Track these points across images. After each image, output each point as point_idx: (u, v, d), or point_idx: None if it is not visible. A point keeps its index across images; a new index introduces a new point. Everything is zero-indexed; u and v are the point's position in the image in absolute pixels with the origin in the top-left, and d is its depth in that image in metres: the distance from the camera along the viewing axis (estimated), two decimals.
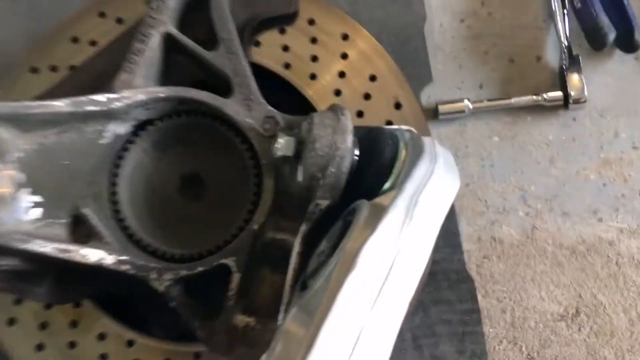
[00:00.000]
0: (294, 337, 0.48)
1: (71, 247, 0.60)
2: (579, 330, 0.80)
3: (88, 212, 0.65)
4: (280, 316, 0.60)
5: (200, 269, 0.63)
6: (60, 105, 0.61)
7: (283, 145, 0.63)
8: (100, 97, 0.63)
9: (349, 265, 0.47)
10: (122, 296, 0.73)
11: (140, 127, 0.69)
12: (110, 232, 0.65)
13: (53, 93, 0.74)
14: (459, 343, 0.81)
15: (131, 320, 0.72)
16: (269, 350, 0.53)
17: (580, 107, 0.85)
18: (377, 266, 0.47)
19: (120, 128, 0.67)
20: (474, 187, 0.85)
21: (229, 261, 0.63)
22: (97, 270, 0.62)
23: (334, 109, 0.63)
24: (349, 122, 0.62)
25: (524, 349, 0.81)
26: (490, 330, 0.81)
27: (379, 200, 0.56)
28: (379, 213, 0.51)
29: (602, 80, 0.86)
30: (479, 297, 0.82)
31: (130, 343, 0.71)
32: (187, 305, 0.62)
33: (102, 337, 0.72)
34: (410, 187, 0.54)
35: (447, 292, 0.82)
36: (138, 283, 0.63)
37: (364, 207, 0.54)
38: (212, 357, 0.69)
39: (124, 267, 0.62)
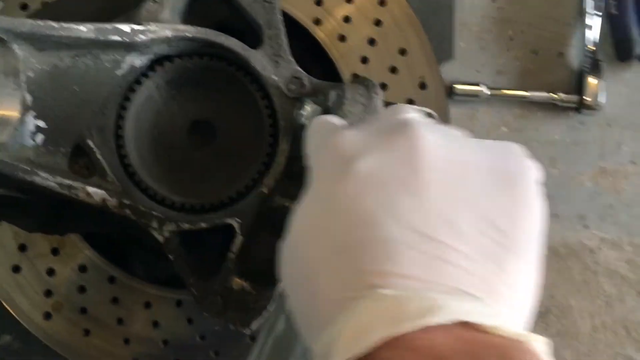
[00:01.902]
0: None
1: (76, 184, 0.57)
2: (546, 329, 0.83)
3: (92, 144, 0.61)
4: (280, 287, 0.59)
5: (203, 225, 0.61)
6: (83, 30, 0.57)
7: (309, 113, 0.60)
8: (125, 27, 0.59)
9: None
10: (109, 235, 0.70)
11: (158, 62, 0.65)
12: (112, 169, 0.62)
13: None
14: None
15: (113, 257, 0.70)
16: (267, 322, 0.53)
17: (591, 113, 0.85)
18: None
19: (138, 60, 0.63)
20: None
21: (234, 222, 0.61)
22: (96, 210, 0.59)
23: (367, 86, 0.61)
24: (380, 102, 0.60)
25: None
26: None
27: None
28: None
29: (617, 90, 0.86)
30: None
31: (111, 279, 0.69)
32: (185, 260, 0.61)
33: (83, 269, 0.70)
34: None
35: None
36: (137, 229, 0.60)
37: None
38: (194, 307, 0.68)
39: (127, 212, 0.59)
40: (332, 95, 0.61)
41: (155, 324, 0.69)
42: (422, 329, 0.34)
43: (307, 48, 0.72)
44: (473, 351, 0.33)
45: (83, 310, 0.69)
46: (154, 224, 0.60)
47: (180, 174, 0.66)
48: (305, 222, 0.43)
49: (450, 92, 0.85)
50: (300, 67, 0.64)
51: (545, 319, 0.84)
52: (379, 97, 0.60)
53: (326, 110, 0.61)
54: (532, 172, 0.43)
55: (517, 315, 0.39)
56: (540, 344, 0.35)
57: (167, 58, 0.65)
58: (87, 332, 0.69)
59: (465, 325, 0.34)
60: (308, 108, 0.61)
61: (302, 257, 0.42)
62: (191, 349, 0.69)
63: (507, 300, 0.38)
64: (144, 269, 0.72)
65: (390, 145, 0.42)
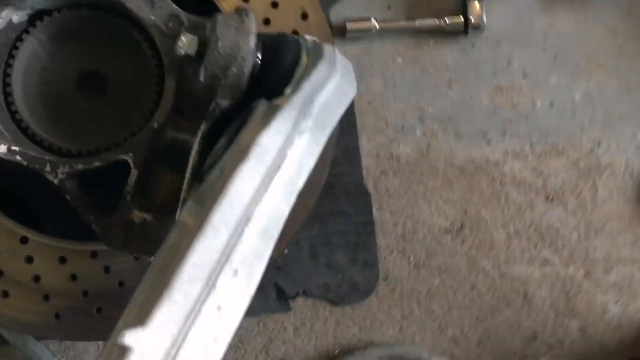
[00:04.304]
0: (186, 227, 0.49)
1: None
2: (462, 243, 0.87)
3: None
4: (178, 212, 0.61)
5: (97, 163, 0.63)
6: None
7: (185, 43, 0.63)
8: None
9: (242, 156, 0.49)
10: (14, 193, 0.71)
11: (38, 17, 0.66)
12: (3, 123, 0.63)
13: None
14: (352, 252, 0.86)
15: (24, 218, 0.71)
16: (164, 241, 0.55)
17: (479, 34, 0.89)
18: (268, 157, 0.49)
19: (15, 15, 0.64)
20: (376, 105, 0.88)
21: (127, 157, 0.63)
22: None
23: (238, 11, 0.63)
24: (252, 24, 0.62)
25: (411, 258, 0.86)
26: (383, 241, 0.86)
27: (277, 100, 0.57)
28: (274, 110, 0.53)
29: (502, 10, 0.90)
30: (374, 211, 0.87)
31: (24, 240, 0.70)
32: (82, 199, 0.62)
33: None
34: (307, 87, 0.56)
35: (344, 205, 0.86)
36: (31, 175, 0.62)
37: (261, 105, 0.55)
38: (110, 256, 0.70)
39: (17, 158, 0.61)
40: (208, 25, 0.64)
41: (73, 277, 0.70)
42: None
43: None
44: None
45: None
46: (47, 168, 0.62)
47: (74, 124, 0.68)
48: None
49: (343, 31, 0.88)
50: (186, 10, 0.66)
51: (460, 233, 0.87)
52: (251, 19, 0.63)
53: (203, 40, 0.63)
54: None
55: None
56: None
57: (46, 13, 0.66)
58: (5, 294, 0.69)
59: None
60: (184, 39, 0.63)
61: None
62: (111, 296, 0.70)
63: None
64: (57, 226, 0.73)
65: None
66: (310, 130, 0.53)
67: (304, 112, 0.53)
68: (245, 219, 0.46)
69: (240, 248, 0.45)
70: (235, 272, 0.44)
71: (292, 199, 0.49)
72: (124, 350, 0.38)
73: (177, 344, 0.40)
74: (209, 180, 0.53)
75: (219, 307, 0.42)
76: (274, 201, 0.48)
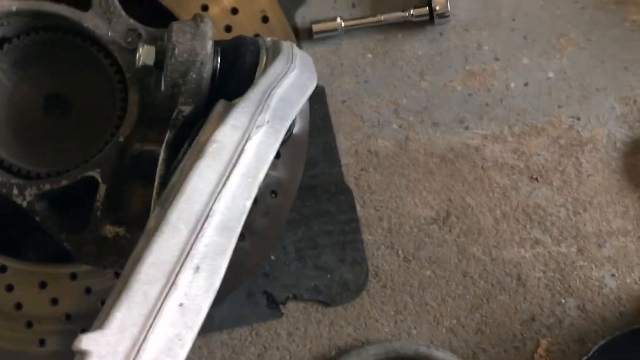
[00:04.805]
0: (150, 230, 0.49)
1: None
2: (450, 231, 0.86)
3: None
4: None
5: (64, 182, 0.63)
6: None
7: (143, 54, 0.63)
8: None
9: (198, 153, 0.48)
10: None
11: None
12: None
13: None
14: (340, 252, 0.85)
15: (1, 245, 0.71)
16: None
17: (446, 21, 0.88)
18: (225, 152, 0.49)
19: None
20: (350, 104, 0.88)
21: (95, 173, 0.63)
22: None
23: (194, 18, 0.64)
24: (208, 28, 0.62)
25: (400, 252, 0.85)
26: (369, 237, 0.85)
27: (236, 100, 0.57)
28: (231, 107, 0.53)
29: None
30: (358, 208, 0.86)
31: (2, 269, 0.70)
32: (52, 219, 0.62)
33: None
34: (264, 81, 0.56)
35: (327, 205, 0.85)
36: (3, 201, 0.62)
37: (219, 104, 0.55)
38: (89, 276, 0.69)
39: None
40: (165, 35, 0.64)
41: (54, 301, 0.69)
42: None
43: (149, 10, 0.75)
44: None
45: None
46: (15, 191, 0.61)
47: (43, 146, 0.68)
48: None
49: (310, 33, 0.88)
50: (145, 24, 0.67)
51: (447, 222, 0.86)
52: (207, 24, 0.63)
53: (160, 50, 0.63)
54: None
55: None
56: None
57: (5, 40, 0.67)
58: None
59: None
60: (141, 50, 0.63)
61: None
62: (95, 316, 0.69)
63: None
64: (35, 251, 0.72)
65: None
66: (268, 123, 0.52)
67: (261, 106, 0.52)
68: (204, 215, 0.46)
69: (200, 244, 0.44)
70: (197, 269, 0.43)
71: (252, 192, 0.49)
72: (83, 354, 0.38)
73: (137, 345, 0.39)
74: (171, 183, 0.53)
75: (181, 305, 0.42)
76: (234, 195, 0.48)
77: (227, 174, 0.48)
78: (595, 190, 0.87)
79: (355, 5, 0.90)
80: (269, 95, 0.54)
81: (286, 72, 0.58)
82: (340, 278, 0.84)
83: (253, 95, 0.53)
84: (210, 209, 0.46)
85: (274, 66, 0.58)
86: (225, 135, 0.49)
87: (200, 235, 0.45)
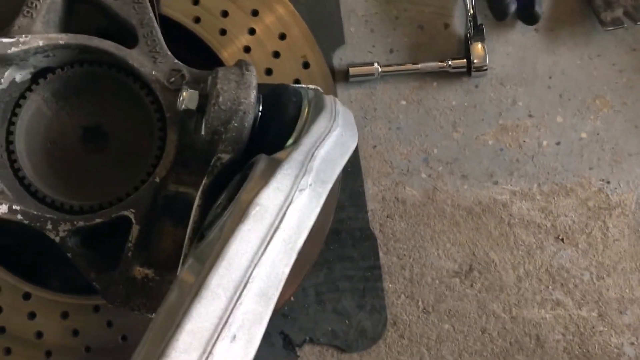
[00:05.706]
0: (187, 285, 0.48)
1: None
2: (472, 286, 0.85)
3: None
4: (179, 268, 0.61)
5: (98, 220, 0.63)
6: None
7: (186, 98, 0.63)
8: None
9: (241, 215, 0.48)
10: (16, 246, 0.71)
11: (41, 75, 0.67)
12: (6, 182, 0.63)
13: None
14: (359, 298, 0.84)
15: (27, 274, 0.71)
16: (164, 299, 0.54)
17: (482, 74, 0.88)
18: (268, 216, 0.48)
19: (18, 75, 0.65)
20: (380, 149, 0.88)
21: (129, 213, 0.63)
22: None
23: (239, 64, 0.64)
24: (253, 77, 0.63)
25: (420, 303, 0.85)
26: (390, 285, 0.85)
27: (278, 155, 0.57)
28: (275, 166, 0.53)
29: (504, 50, 0.90)
30: (381, 254, 0.86)
31: (26, 296, 0.70)
32: (83, 256, 0.62)
33: None
34: (307, 142, 0.56)
35: (350, 249, 0.85)
36: (34, 233, 0.62)
37: (262, 161, 0.55)
38: (112, 310, 0.69)
39: (18, 217, 0.61)
40: (209, 80, 0.64)
41: (75, 332, 0.69)
42: None
43: (192, 47, 0.75)
44: None
45: (2, 330, 0.69)
46: (49, 226, 0.62)
47: (78, 179, 0.68)
48: None
49: (347, 75, 0.89)
50: (191, 63, 0.67)
51: (469, 276, 0.85)
52: (252, 72, 0.63)
53: (204, 94, 0.63)
54: None
55: None
56: None
57: (50, 70, 0.67)
58: (8, 351, 0.69)
59: None
60: (185, 94, 0.63)
61: None
62: (114, 351, 0.69)
63: None
64: (59, 281, 0.73)
65: None
66: (311, 186, 0.52)
67: (304, 168, 0.52)
68: (244, 282, 0.45)
69: (239, 312, 0.44)
70: (234, 338, 0.43)
71: (291, 258, 0.48)
72: None
73: None
74: (209, 238, 0.53)
75: None
76: (273, 261, 0.47)
77: (268, 239, 0.48)
78: (620, 256, 0.86)
79: (393, 51, 0.90)
80: (312, 156, 0.54)
81: (329, 131, 0.58)
82: (358, 324, 0.84)
83: (297, 155, 0.53)
84: (250, 275, 0.46)
85: (317, 124, 0.58)
86: (268, 198, 0.49)
87: (238, 302, 0.44)
